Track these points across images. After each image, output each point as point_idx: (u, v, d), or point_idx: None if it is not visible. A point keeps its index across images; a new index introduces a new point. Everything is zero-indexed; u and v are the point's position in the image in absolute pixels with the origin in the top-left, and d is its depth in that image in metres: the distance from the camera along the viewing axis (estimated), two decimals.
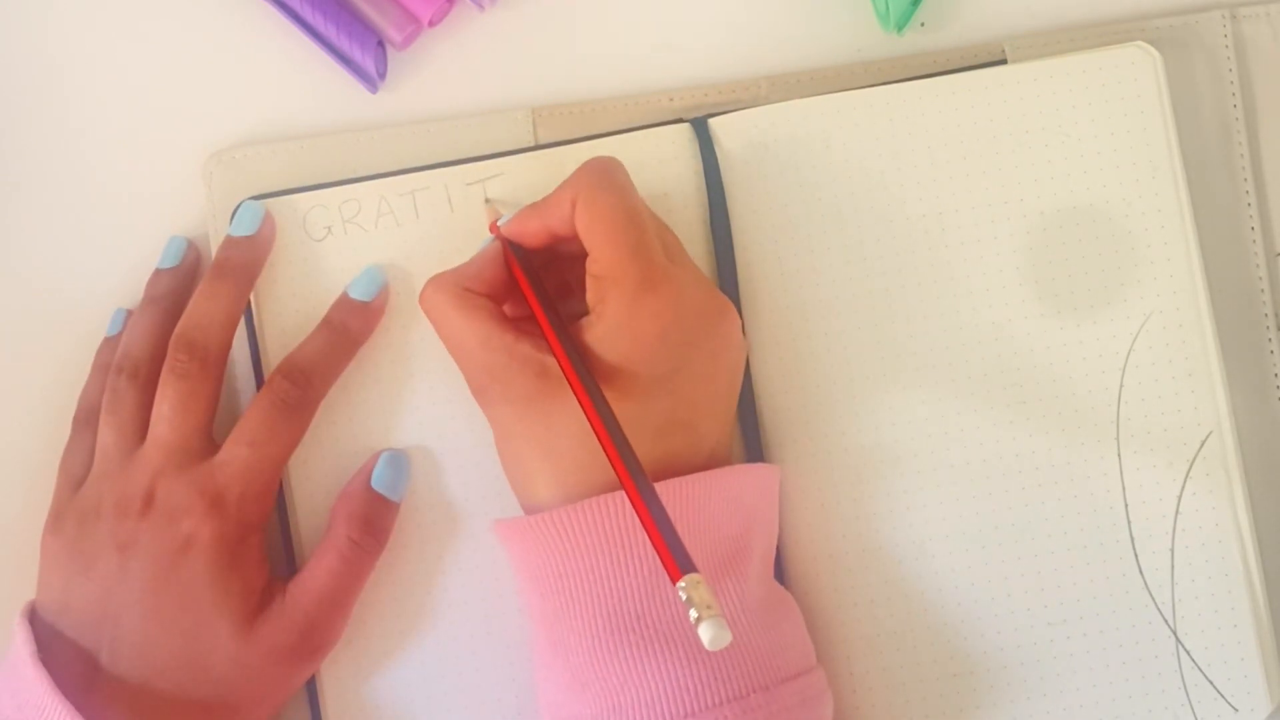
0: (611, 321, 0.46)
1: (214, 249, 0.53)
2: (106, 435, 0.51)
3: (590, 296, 0.48)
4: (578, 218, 0.47)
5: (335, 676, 0.51)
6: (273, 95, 0.55)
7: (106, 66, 0.56)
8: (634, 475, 0.43)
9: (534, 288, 0.48)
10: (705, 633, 0.39)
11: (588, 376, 0.45)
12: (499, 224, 0.50)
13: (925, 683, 0.51)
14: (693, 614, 0.39)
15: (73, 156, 0.55)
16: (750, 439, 0.52)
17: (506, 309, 0.49)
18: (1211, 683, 0.50)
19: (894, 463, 0.51)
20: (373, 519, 0.51)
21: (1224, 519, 0.51)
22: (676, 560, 0.41)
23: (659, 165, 0.53)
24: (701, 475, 0.47)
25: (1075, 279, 0.52)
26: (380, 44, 0.54)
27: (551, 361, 0.47)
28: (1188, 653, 0.51)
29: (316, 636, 0.50)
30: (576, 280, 0.49)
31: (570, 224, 0.48)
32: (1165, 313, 0.51)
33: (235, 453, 0.49)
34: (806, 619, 0.50)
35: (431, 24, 0.55)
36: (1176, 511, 0.51)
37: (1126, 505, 0.51)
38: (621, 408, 0.45)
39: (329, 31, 0.54)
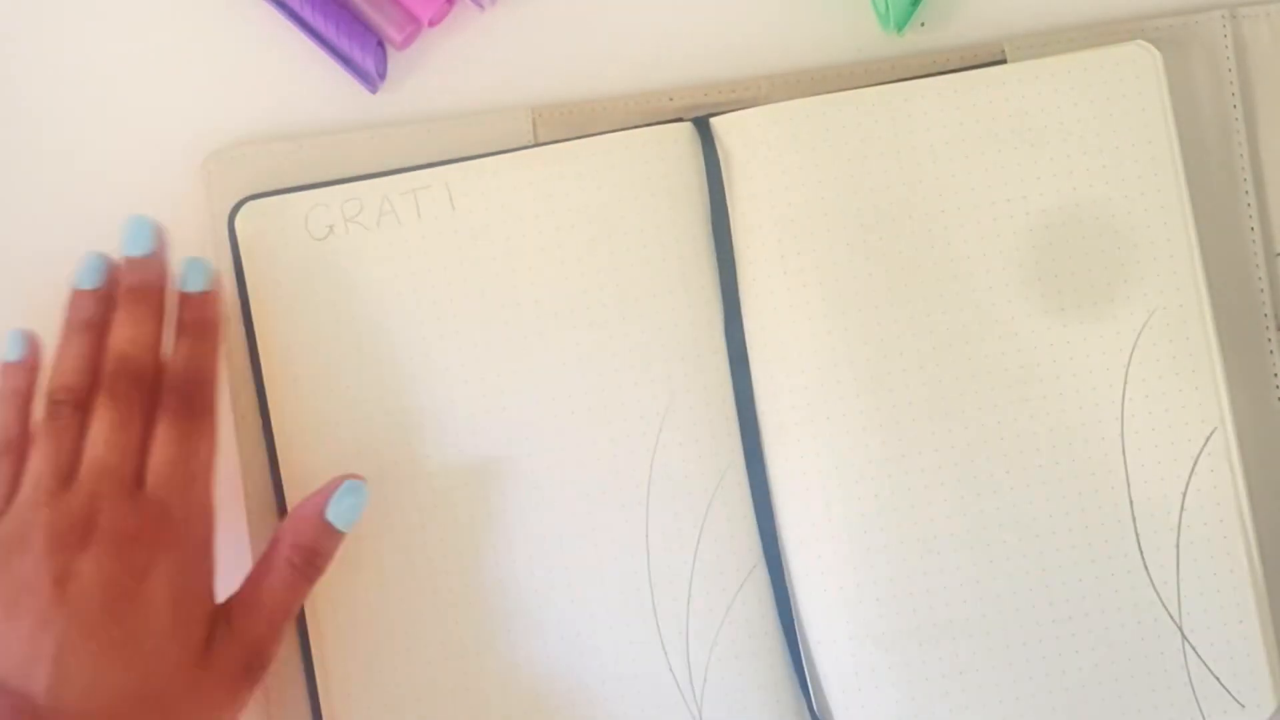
0: None
1: (214, 249, 0.53)
2: (40, 464, 0.48)
3: None
4: None
5: (335, 676, 0.51)
6: (272, 95, 0.55)
7: (105, 66, 0.55)
8: None
9: None
10: None
11: None
12: None
13: (930, 681, 0.50)
14: None
15: (72, 156, 0.55)
16: (749, 438, 0.52)
17: None
18: (1218, 679, 0.50)
19: (897, 460, 0.51)
20: (319, 550, 0.50)
21: (1229, 515, 0.51)
22: None
23: (659, 165, 0.53)
24: None
25: (1077, 276, 0.52)
26: (380, 44, 0.54)
27: None
28: (1194, 649, 0.50)
29: (264, 657, 0.49)
30: None
31: None
32: (1168, 309, 0.52)
33: (160, 470, 0.48)
34: (807, 617, 0.49)
35: (431, 24, 0.55)
36: (1181, 508, 0.51)
37: (1131, 502, 0.51)
38: None
39: (329, 31, 0.54)
